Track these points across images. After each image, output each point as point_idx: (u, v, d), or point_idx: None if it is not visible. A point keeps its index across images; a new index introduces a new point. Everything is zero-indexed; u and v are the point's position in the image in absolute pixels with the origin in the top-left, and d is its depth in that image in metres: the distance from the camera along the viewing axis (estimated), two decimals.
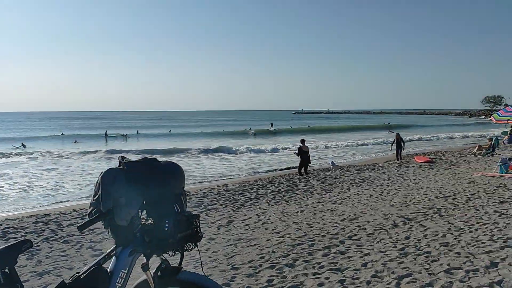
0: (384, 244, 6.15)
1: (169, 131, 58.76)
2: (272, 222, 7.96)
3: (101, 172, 2.68)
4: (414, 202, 9.08)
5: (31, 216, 10.05)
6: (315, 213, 8.54)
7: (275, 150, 31.29)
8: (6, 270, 2.31)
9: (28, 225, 8.83)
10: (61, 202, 13.80)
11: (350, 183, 12.96)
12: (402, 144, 21.50)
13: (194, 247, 2.98)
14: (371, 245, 6.15)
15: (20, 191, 15.49)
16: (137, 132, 56.51)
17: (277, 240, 6.59)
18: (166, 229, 2.72)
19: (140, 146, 36.92)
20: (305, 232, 6.97)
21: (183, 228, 2.79)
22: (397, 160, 20.77)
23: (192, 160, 25.20)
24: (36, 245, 7.20)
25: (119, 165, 2.77)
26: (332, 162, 18.49)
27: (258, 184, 13.82)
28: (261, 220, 8.28)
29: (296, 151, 17.64)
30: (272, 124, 68.03)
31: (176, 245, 2.82)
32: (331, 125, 76.21)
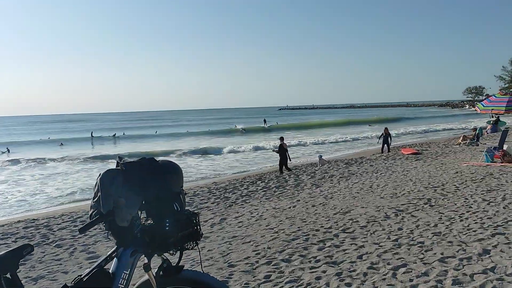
0: (378, 236, 6.21)
1: (156, 132, 58.23)
2: (265, 219, 7.98)
3: (100, 174, 2.67)
4: (404, 194, 9.19)
5: (19, 221, 9.93)
6: (307, 208, 8.58)
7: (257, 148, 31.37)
8: (8, 275, 2.28)
9: (18, 231, 8.72)
10: (52, 206, 13.73)
11: (340, 177, 13.05)
12: (389, 139, 21.73)
13: (195, 245, 2.98)
14: (365, 237, 6.21)
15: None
16: (123, 133, 56.00)
17: (271, 236, 6.61)
18: (166, 228, 2.72)
19: (127, 148, 36.61)
20: (299, 227, 7.00)
21: (183, 226, 2.79)
22: (382, 152, 20.97)
23: (180, 160, 25.17)
24: None
25: (117, 165, 2.76)
26: (320, 156, 18.55)
27: (247, 181, 13.83)
28: (254, 216, 8.30)
29: (277, 149, 17.66)
30: (265, 120, 67.24)
31: (177, 244, 2.81)
32: (324, 120, 75.54)
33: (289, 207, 8.87)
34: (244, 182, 13.69)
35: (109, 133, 54.93)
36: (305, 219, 7.61)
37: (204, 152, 30.01)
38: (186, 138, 47.44)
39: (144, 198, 2.74)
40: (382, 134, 21.98)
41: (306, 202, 9.25)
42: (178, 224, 2.76)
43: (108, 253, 2.68)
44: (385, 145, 21.63)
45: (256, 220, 7.92)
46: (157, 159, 2.93)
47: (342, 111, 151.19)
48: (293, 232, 6.74)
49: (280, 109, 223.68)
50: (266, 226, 7.35)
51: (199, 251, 2.88)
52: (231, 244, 6.38)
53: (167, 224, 2.73)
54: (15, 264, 2.31)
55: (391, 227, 6.65)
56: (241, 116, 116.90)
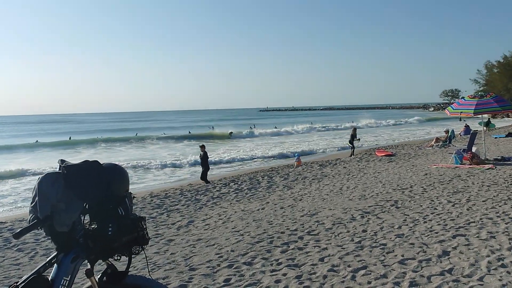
0: (342, 238, 6.24)
1: (136, 134, 55.03)
2: (232, 221, 7.93)
3: (39, 177, 2.59)
4: (372, 196, 9.26)
5: None
6: (275, 210, 8.57)
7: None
8: None
9: None
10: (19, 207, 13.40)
11: (312, 179, 13.08)
12: (353, 140, 21.85)
13: (141, 251, 2.92)
14: (329, 239, 6.23)
15: None
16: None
17: (236, 238, 6.57)
18: (109, 233, 2.65)
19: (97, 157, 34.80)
20: (264, 230, 6.98)
21: (128, 231, 2.72)
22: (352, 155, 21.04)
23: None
24: None
25: (59, 168, 2.69)
26: (298, 155, 18.50)
27: (221, 183, 13.75)
28: (221, 219, 8.24)
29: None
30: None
31: (121, 249, 2.74)
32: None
33: (258, 209, 8.84)
34: (218, 184, 13.60)
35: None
36: (272, 221, 7.59)
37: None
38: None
39: (86, 202, 2.67)
40: (353, 135, 22.06)
41: (275, 204, 9.23)
42: (122, 229, 2.69)
43: (48, 259, 2.60)
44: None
45: (223, 223, 7.86)
46: (101, 162, 2.86)
47: (321, 113, 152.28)
48: (258, 234, 6.71)
49: (261, 111, 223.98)
50: (232, 228, 7.30)
51: (146, 256, 2.82)
52: (194, 247, 6.30)
53: (110, 229, 2.66)
54: None
55: (355, 229, 6.68)
56: (220, 118, 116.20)
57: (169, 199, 11.33)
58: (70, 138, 50.00)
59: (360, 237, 6.23)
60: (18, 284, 2.40)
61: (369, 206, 8.17)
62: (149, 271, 3.07)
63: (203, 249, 6.19)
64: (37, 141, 47.65)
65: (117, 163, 2.91)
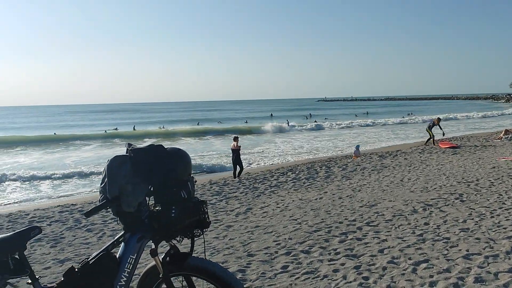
0: (403, 230, 6.08)
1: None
2: (290, 209, 7.96)
3: (108, 159, 2.73)
4: (435, 188, 8.94)
5: (58, 205, 10.31)
6: (333, 200, 8.50)
7: None
8: (16, 255, 2.38)
9: (53, 215, 9.06)
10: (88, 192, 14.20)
11: (371, 170, 12.83)
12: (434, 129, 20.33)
13: (202, 234, 3.00)
14: (388, 231, 6.10)
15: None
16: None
17: (294, 227, 6.59)
18: (173, 215, 2.75)
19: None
20: (322, 219, 6.95)
21: (190, 214, 2.81)
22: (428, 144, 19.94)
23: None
24: (60, 233, 7.39)
25: (126, 152, 2.81)
26: (357, 147, 18.12)
27: (279, 172, 13.80)
28: (279, 207, 8.29)
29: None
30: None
31: (184, 231, 2.84)
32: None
33: (316, 199, 8.81)
34: (275, 173, 13.67)
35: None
36: (330, 211, 7.54)
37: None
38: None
39: (151, 185, 2.79)
40: (432, 123, 20.63)
41: (333, 194, 9.15)
42: (184, 212, 2.79)
43: (116, 238, 2.74)
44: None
45: (281, 211, 7.91)
46: (166, 147, 2.97)
47: (381, 103, 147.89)
48: (316, 223, 6.69)
49: (319, 101, 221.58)
50: (290, 217, 7.33)
51: (204, 240, 2.91)
52: (253, 234, 6.40)
53: (173, 211, 2.76)
54: (22, 244, 2.41)
55: (417, 221, 6.49)
56: (283, 108, 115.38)
57: (227, 187, 11.54)
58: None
59: (421, 229, 6.05)
60: (88, 259, 2.57)
61: (431, 199, 7.90)
62: (205, 255, 3.14)
63: (261, 236, 6.27)
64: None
65: (180, 147, 3.02)
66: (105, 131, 44.83)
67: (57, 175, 17.38)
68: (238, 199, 9.77)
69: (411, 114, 62.52)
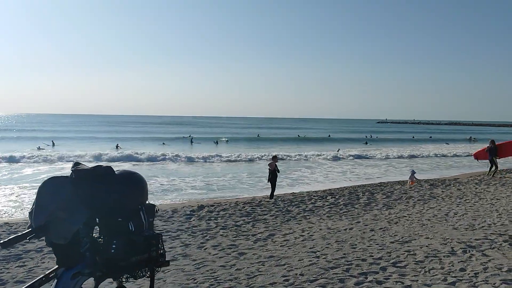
0: (432, 276, 5.27)
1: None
2: (313, 239, 7.30)
3: (43, 180, 2.38)
4: (482, 226, 7.92)
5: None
6: (364, 232, 7.74)
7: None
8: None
9: None
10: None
11: (418, 199, 11.85)
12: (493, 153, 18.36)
13: (156, 272, 2.57)
14: (416, 275, 5.30)
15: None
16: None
17: (310, 260, 5.95)
18: (112, 250, 2.34)
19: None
20: (344, 254, 6.25)
21: (138, 250, 2.40)
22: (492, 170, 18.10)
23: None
24: None
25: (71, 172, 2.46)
26: (412, 172, 16.94)
27: (317, 196, 13.13)
28: (303, 235, 7.67)
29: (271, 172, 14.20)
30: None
31: (130, 270, 2.42)
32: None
33: (345, 229, 8.08)
34: (314, 196, 13.01)
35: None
36: (356, 244, 6.81)
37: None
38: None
39: (94, 212, 2.40)
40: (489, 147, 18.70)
41: (366, 225, 8.37)
42: (129, 247, 2.37)
43: (46, 273, 2.37)
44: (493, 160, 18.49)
45: (303, 240, 7.28)
46: (117, 170, 2.57)
47: (446, 128, 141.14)
48: (335, 258, 6.01)
49: (379, 122, 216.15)
50: (310, 248, 6.68)
51: (152, 279, 2.47)
52: (263, 265, 5.83)
53: (114, 246, 2.35)
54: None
55: (452, 266, 5.64)
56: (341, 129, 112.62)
57: (260, 208, 11.07)
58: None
59: (455, 276, 5.21)
60: None
61: (475, 239, 6.94)
62: None
63: (271, 268, 5.69)
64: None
65: (136, 171, 2.60)
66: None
67: None
68: (266, 222, 9.25)
69: (475, 139, 59.33)
